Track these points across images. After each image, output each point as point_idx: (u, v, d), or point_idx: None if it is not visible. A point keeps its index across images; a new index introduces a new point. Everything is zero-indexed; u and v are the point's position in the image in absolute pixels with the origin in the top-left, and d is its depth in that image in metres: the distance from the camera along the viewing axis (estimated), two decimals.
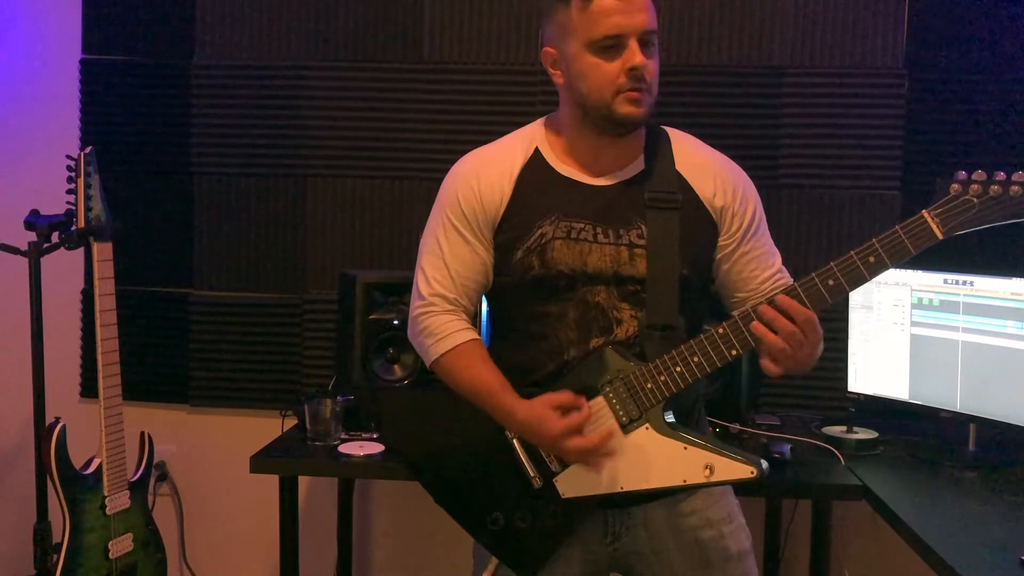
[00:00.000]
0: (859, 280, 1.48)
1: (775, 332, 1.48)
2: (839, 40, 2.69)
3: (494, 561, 1.68)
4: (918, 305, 2.33)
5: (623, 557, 1.70)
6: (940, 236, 1.44)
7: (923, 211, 1.45)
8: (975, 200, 1.41)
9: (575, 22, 1.56)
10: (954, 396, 2.27)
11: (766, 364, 1.53)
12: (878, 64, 2.68)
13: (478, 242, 1.67)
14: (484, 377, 1.65)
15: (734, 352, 1.53)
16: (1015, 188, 1.40)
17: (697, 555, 1.68)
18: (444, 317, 1.69)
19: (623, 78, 1.55)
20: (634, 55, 1.54)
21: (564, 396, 1.57)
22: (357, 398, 2.41)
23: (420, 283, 1.72)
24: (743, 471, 1.53)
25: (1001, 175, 1.41)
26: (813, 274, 1.50)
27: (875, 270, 1.47)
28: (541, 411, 1.57)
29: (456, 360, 1.67)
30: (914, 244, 1.44)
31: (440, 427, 1.77)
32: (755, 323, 1.50)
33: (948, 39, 2.66)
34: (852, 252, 1.48)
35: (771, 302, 1.50)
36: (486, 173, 1.67)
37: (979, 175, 1.41)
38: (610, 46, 1.55)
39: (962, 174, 1.43)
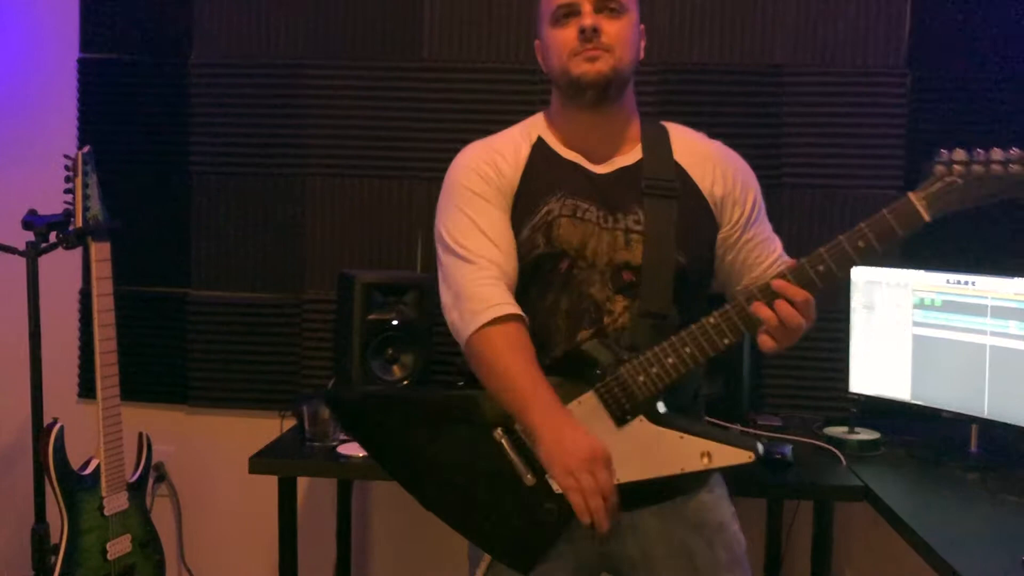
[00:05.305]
0: (848, 264, 1.47)
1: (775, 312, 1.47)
2: (841, 39, 2.68)
3: (486, 559, 1.66)
4: (920, 305, 2.32)
5: (612, 561, 1.69)
6: (927, 218, 1.43)
7: (908, 194, 1.44)
8: (959, 180, 1.41)
9: (543, 5, 1.66)
10: (956, 397, 2.26)
11: (764, 340, 1.51)
12: (880, 63, 2.67)
13: (501, 210, 1.63)
14: (532, 368, 1.53)
15: (726, 341, 1.52)
16: (996, 167, 1.39)
17: (685, 563, 1.65)
18: (499, 288, 1.57)
19: (575, 41, 1.60)
20: (584, 16, 1.59)
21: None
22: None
23: (455, 261, 1.61)
24: (741, 456, 1.52)
25: (980, 153, 1.40)
26: (803, 260, 1.50)
27: (864, 254, 1.46)
28: (595, 440, 1.47)
29: (507, 335, 1.54)
30: (901, 227, 1.44)
31: (418, 435, 1.68)
32: (756, 303, 1.49)
33: (950, 38, 2.65)
34: (841, 236, 1.47)
35: (766, 287, 1.49)
36: (498, 150, 1.68)
37: (959, 155, 1.41)
38: (564, 15, 1.61)
39: (944, 154, 1.42)
